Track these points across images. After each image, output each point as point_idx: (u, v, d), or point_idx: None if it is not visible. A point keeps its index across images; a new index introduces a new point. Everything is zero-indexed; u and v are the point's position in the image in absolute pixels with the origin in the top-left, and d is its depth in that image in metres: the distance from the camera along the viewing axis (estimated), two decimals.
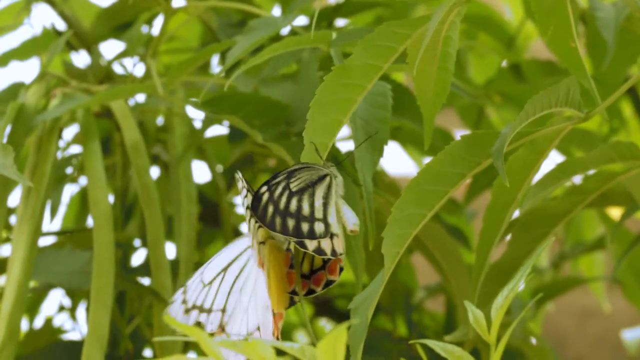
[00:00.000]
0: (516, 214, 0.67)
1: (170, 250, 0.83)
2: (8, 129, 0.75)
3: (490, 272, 0.68)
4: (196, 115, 0.88)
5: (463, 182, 0.59)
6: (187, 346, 0.83)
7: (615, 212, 0.98)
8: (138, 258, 0.96)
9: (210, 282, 0.61)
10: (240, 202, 0.59)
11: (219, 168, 0.96)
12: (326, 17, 0.90)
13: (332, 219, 0.58)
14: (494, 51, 1.07)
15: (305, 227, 0.58)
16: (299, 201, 0.58)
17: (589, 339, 1.75)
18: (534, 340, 0.97)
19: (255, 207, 0.58)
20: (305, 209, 0.58)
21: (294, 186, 0.59)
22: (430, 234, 0.82)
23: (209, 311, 0.61)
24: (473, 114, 1.07)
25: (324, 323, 1.13)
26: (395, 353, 0.93)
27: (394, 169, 1.21)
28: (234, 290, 0.61)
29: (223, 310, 0.61)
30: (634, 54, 0.88)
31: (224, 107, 0.75)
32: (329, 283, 0.60)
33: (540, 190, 0.67)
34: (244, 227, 0.96)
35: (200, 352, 0.50)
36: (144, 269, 0.89)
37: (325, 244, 0.58)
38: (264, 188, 0.58)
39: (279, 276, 0.59)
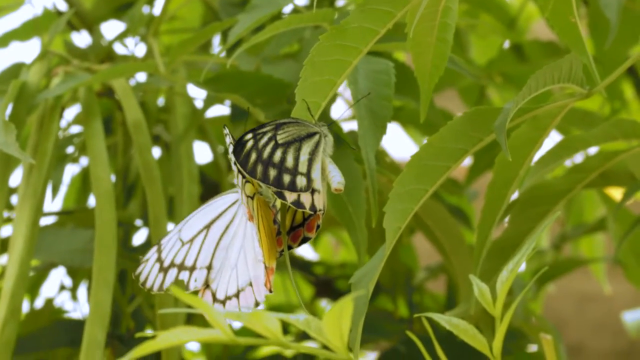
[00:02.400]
0: (517, 194, 0.67)
1: None
2: (10, 107, 0.75)
3: (491, 250, 0.68)
4: (197, 95, 0.88)
5: (465, 158, 0.59)
6: (190, 321, 0.83)
7: (616, 193, 0.98)
8: (139, 238, 0.96)
9: (191, 240, 0.61)
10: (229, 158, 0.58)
11: (220, 148, 0.96)
12: None
13: (315, 175, 0.58)
14: (495, 32, 1.06)
15: (286, 178, 0.57)
16: (284, 153, 0.58)
17: (589, 323, 1.75)
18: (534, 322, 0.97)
19: (238, 153, 0.57)
20: (290, 162, 0.58)
21: (280, 138, 0.58)
22: (431, 214, 0.82)
23: (192, 269, 0.61)
24: (474, 95, 1.07)
25: (325, 304, 1.13)
26: (396, 333, 0.93)
27: (395, 153, 1.21)
28: (220, 247, 0.61)
29: (209, 268, 0.60)
30: (636, 34, 0.88)
31: (226, 85, 0.75)
32: (305, 240, 0.60)
33: (542, 168, 0.67)
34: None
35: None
36: (146, 248, 0.89)
37: (305, 198, 0.57)
38: (249, 135, 0.58)
39: (268, 231, 0.59)
